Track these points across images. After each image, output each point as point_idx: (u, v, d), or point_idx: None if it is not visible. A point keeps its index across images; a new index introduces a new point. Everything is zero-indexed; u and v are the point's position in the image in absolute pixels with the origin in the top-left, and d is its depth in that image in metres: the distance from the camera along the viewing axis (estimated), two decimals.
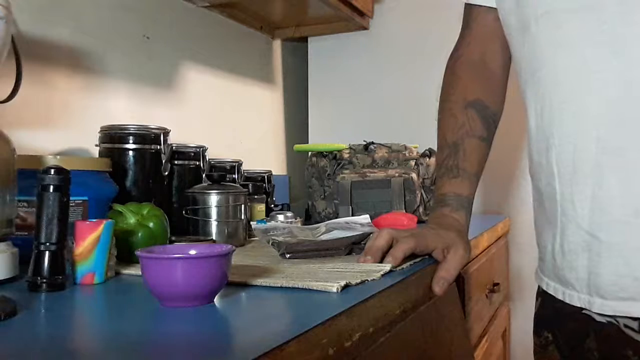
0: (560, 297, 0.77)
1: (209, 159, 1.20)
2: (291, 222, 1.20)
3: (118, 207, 0.82)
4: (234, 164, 1.31)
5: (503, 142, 0.93)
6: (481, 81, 0.91)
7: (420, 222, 1.21)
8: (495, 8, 0.87)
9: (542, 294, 0.83)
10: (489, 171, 0.91)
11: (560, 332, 0.79)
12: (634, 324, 0.69)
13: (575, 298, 0.74)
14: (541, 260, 0.82)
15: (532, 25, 0.75)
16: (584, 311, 0.74)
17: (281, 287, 0.63)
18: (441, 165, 0.88)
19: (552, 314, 0.80)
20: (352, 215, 1.37)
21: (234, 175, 1.29)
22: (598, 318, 0.72)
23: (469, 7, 0.93)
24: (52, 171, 0.64)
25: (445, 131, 0.89)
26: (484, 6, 0.90)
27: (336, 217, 1.39)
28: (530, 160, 0.81)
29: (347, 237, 0.90)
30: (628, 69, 0.66)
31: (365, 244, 0.86)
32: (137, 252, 0.56)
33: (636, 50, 0.66)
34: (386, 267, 0.71)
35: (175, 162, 1.10)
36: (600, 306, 0.71)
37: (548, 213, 0.77)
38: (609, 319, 0.71)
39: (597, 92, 0.68)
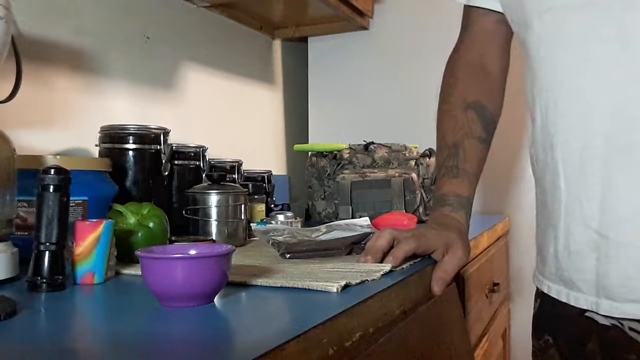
0: (564, 299, 0.75)
1: (209, 159, 1.20)
2: (291, 222, 1.20)
3: (118, 207, 0.82)
4: (234, 164, 1.31)
5: (503, 142, 0.93)
6: (480, 83, 0.91)
7: (420, 222, 1.21)
8: (494, 10, 0.87)
9: (541, 296, 0.82)
10: (489, 171, 0.91)
11: (561, 335, 0.78)
12: (639, 327, 0.68)
13: (581, 300, 0.72)
14: (541, 262, 0.80)
15: (535, 22, 0.74)
16: (587, 314, 0.73)
17: (281, 287, 0.62)
18: (441, 166, 0.87)
19: (553, 316, 0.79)
20: (352, 215, 1.37)
21: (234, 175, 1.29)
22: (602, 321, 0.71)
23: (467, 9, 0.93)
24: (52, 171, 0.64)
25: (445, 132, 0.89)
26: (484, 8, 0.89)
27: (336, 217, 1.39)
28: (535, 160, 0.80)
29: (347, 237, 0.90)
30: (634, 64, 0.65)
31: (365, 244, 0.86)
32: (137, 252, 0.56)
33: None
34: (386, 267, 0.71)
35: (175, 162, 1.10)
36: (609, 308, 0.69)
37: (550, 213, 0.76)
38: (612, 322, 0.70)
39: (604, 88, 0.67)
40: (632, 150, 0.66)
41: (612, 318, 0.70)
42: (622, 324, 0.69)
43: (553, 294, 0.77)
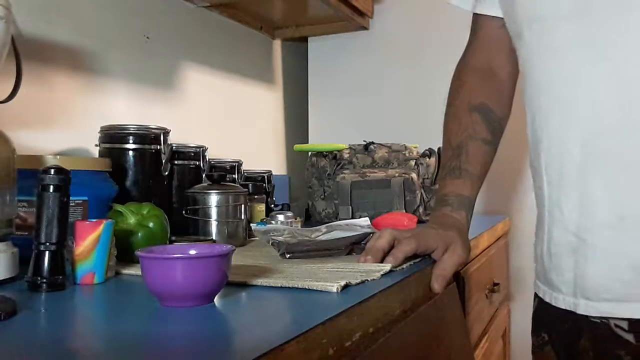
0: (547, 299, 0.78)
1: (209, 159, 1.20)
2: (291, 222, 1.20)
3: (118, 207, 0.82)
4: (234, 164, 1.31)
5: (503, 142, 0.93)
6: (487, 86, 0.92)
7: (420, 222, 1.21)
8: (499, 17, 0.88)
9: (538, 295, 0.83)
10: (490, 171, 0.91)
11: (555, 332, 0.79)
12: (624, 324, 0.70)
13: (560, 300, 0.75)
14: (536, 264, 0.83)
15: (525, 31, 0.77)
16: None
17: (281, 287, 0.62)
18: (444, 167, 0.89)
19: (548, 314, 0.80)
20: (352, 215, 1.37)
21: (234, 175, 1.29)
22: (591, 318, 0.73)
23: (475, 16, 0.94)
24: (52, 171, 0.64)
25: (450, 134, 0.90)
26: (489, 15, 0.90)
27: (336, 217, 1.39)
28: (529, 164, 0.82)
29: (347, 237, 0.90)
30: (615, 74, 0.67)
31: (365, 244, 0.86)
32: (137, 252, 0.56)
33: (622, 56, 0.67)
34: (386, 267, 0.71)
35: (175, 162, 1.10)
36: (585, 307, 0.72)
37: (540, 216, 0.79)
38: (601, 319, 0.72)
39: (584, 97, 0.69)
40: (607, 159, 0.68)
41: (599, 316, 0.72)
42: (608, 320, 0.71)
43: (541, 294, 0.80)
